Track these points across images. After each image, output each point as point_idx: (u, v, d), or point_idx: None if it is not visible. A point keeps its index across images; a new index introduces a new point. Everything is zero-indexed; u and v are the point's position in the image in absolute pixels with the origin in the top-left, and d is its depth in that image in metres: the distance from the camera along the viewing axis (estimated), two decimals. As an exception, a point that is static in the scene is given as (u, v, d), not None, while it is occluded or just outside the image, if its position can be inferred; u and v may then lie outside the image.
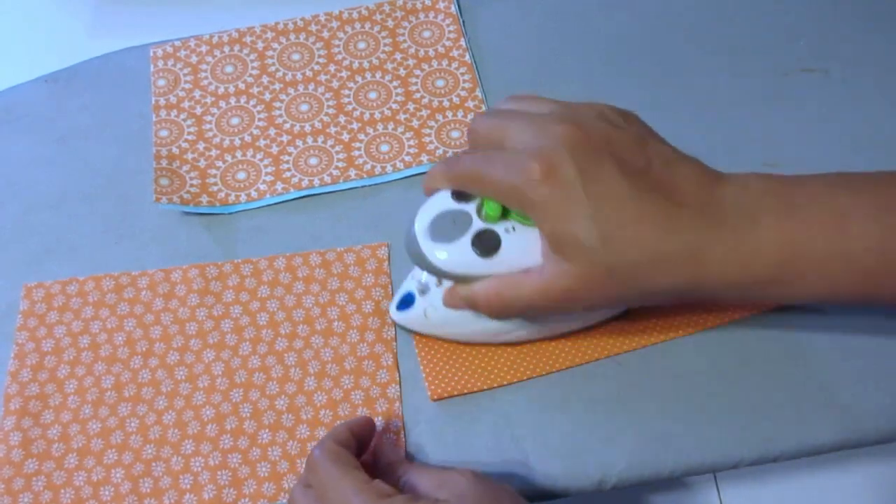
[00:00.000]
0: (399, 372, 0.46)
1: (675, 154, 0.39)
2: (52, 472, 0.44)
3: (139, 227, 0.51)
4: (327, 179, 0.52)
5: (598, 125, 0.38)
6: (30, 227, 0.52)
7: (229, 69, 0.57)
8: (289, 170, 0.52)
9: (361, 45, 0.57)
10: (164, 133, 0.54)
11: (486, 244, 0.40)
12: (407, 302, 0.45)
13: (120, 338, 0.48)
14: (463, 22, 0.58)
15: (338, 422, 0.45)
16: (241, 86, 0.56)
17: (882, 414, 0.43)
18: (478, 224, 0.40)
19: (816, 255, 0.37)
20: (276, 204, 0.52)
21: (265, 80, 0.56)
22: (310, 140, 0.54)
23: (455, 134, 0.53)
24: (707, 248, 0.37)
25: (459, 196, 0.41)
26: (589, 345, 0.45)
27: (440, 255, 0.40)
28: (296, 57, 0.57)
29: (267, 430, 0.45)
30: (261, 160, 0.53)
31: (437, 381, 0.45)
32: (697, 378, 0.45)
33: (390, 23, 0.58)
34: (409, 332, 0.46)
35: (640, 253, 0.37)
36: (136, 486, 0.44)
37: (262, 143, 0.54)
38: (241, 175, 0.53)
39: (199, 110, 0.55)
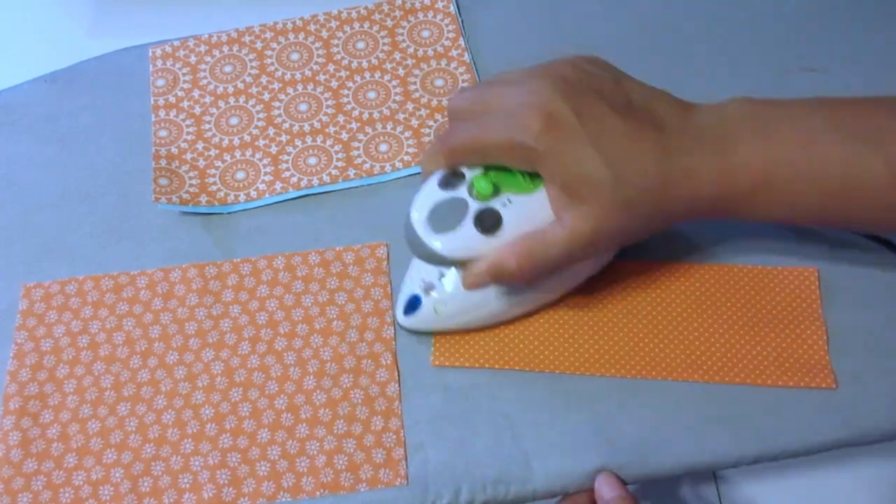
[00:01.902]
0: (398, 371, 0.46)
1: (648, 88, 0.41)
2: (51, 471, 0.44)
3: (139, 227, 0.51)
4: (326, 179, 0.52)
5: (576, 73, 0.40)
6: (30, 227, 0.52)
7: (228, 69, 0.57)
8: (288, 169, 0.52)
9: (360, 45, 0.57)
10: (163, 133, 0.54)
11: (488, 222, 0.40)
12: (413, 305, 0.45)
13: (119, 337, 0.48)
14: (462, 21, 0.58)
15: (338, 421, 0.45)
16: (240, 85, 0.56)
17: (882, 414, 0.43)
18: (474, 206, 0.41)
19: (786, 175, 0.39)
20: (275, 204, 0.52)
21: (264, 79, 0.56)
22: (309, 140, 0.54)
23: (454, 133, 0.53)
24: (697, 167, 0.39)
25: (446, 184, 0.41)
26: (596, 359, 0.45)
27: (446, 244, 0.40)
28: (295, 57, 0.57)
29: (266, 430, 0.45)
30: (260, 160, 0.53)
31: (442, 349, 0.46)
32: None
33: (389, 22, 0.58)
34: (421, 333, 0.46)
35: (646, 180, 0.38)
36: (136, 486, 0.44)
37: (261, 142, 0.54)
38: (241, 175, 0.53)
39: (198, 110, 0.55)
